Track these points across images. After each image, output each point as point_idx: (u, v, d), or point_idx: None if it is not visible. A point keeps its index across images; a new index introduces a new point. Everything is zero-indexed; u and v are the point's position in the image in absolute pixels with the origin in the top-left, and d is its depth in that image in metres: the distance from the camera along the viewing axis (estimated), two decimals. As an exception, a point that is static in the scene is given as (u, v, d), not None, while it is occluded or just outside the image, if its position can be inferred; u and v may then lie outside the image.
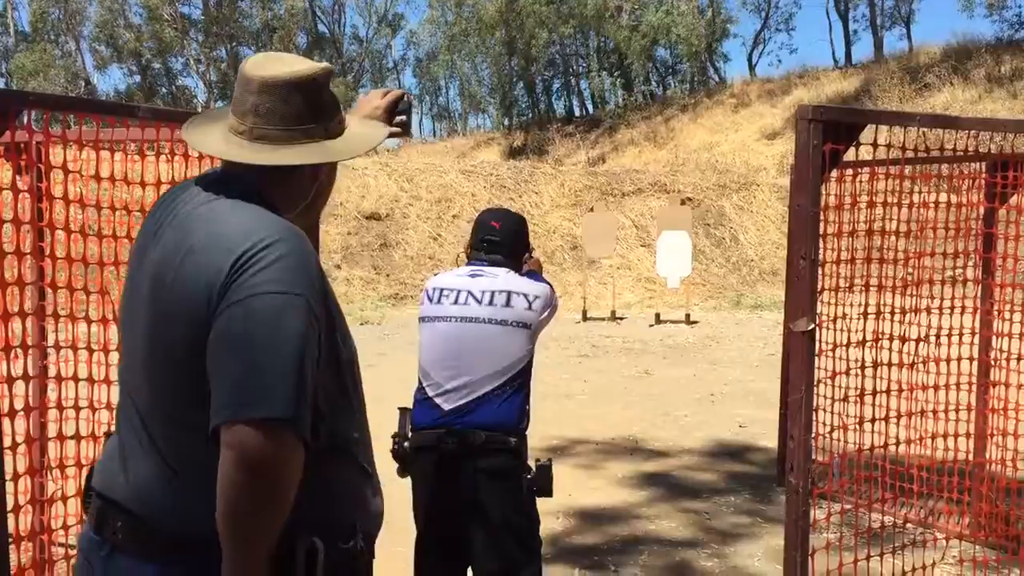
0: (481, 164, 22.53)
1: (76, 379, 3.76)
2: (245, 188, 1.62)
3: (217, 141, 1.67)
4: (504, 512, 3.00)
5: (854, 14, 36.60)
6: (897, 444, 3.93)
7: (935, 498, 4.66)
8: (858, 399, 3.77)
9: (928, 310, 4.07)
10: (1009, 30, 29.10)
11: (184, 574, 1.51)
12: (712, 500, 5.49)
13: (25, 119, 3.21)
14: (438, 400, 3.01)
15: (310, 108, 1.66)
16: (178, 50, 46.82)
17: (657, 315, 14.82)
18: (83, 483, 1.72)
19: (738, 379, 9.61)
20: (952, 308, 4.27)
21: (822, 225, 3.11)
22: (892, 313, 3.87)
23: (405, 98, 2.09)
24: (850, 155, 3.28)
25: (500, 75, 42.23)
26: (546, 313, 3.12)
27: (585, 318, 14.86)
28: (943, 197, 4.24)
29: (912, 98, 24.69)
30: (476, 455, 2.95)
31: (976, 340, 4.46)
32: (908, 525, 4.64)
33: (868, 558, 3.60)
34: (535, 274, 3.29)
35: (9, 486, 3.09)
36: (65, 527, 3.81)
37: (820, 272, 3.11)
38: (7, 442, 3.05)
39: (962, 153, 4.01)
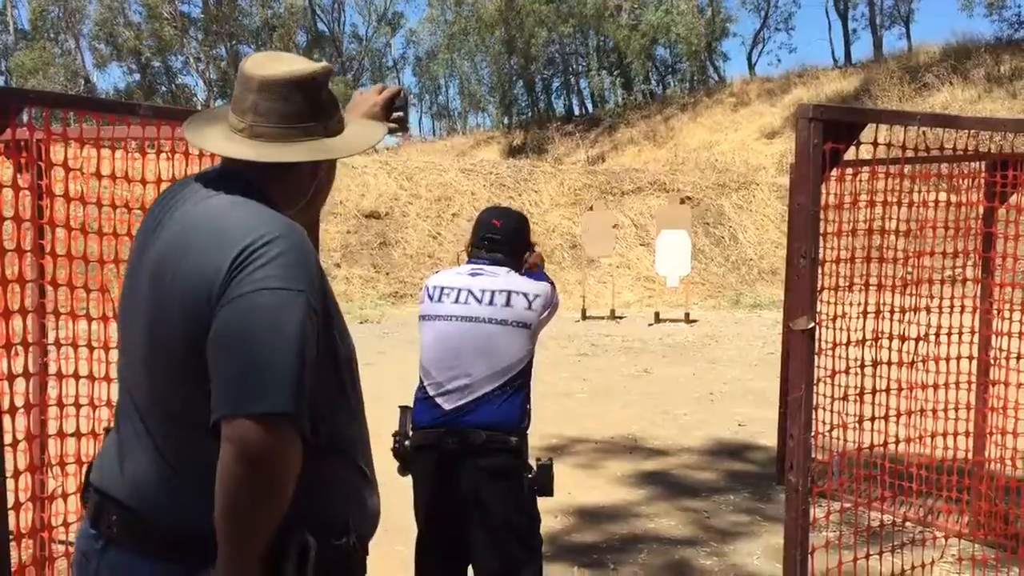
0: (481, 163, 22.52)
1: (76, 376, 3.77)
2: (245, 185, 1.63)
3: (217, 138, 1.68)
4: (505, 511, 3.00)
5: (853, 13, 36.61)
6: (896, 443, 3.93)
7: (934, 497, 4.66)
8: (857, 398, 3.77)
9: (928, 309, 4.07)
10: (1009, 30, 29.11)
11: (179, 570, 1.51)
12: (711, 499, 5.49)
13: (25, 117, 3.21)
14: (439, 399, 3.01)
15: (309, 106, 1.67)
16: (178, 48, 46.79)
17: (656, 314, 14.82)
18: (83, 479, 1.73)
19: (737, 378, 9.62)
20: (952, 307, 4.28)
21: (822, 224, 3.12)
22: (892, 312, 3.87)
23: (402, 94, 2.10)
24: (850, 154, 3.28)
25: (500, 74, 42.21)
26: (546, 312, 3.12)
27: (584, 317, 14.87)
28: (943, 196, 4.25)
29: (911, 97, 24.69)
30: (477, 454, 2.96)
31: (975, 339, 4.46)
32: (907, 524, 4.65)
33: (867, 556, 3.61)
34: (536, 272, 3.29)
35: (10, 483, 3.09)
36: (65, 524, 3.82)
37: (820, 271, 3.12)
38: (7, 439, 3.05)
39: (962, 152, 4.02)
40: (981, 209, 4.38)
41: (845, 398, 3.78)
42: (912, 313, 3.98)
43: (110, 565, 1.58)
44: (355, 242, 18.39)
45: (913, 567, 3.87)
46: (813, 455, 3.09)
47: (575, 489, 5.52)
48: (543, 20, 37.53)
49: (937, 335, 4.10)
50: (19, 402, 3.35)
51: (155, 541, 1.54)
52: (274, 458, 1.41)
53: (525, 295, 3.07)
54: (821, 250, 3.08)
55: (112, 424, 1.71)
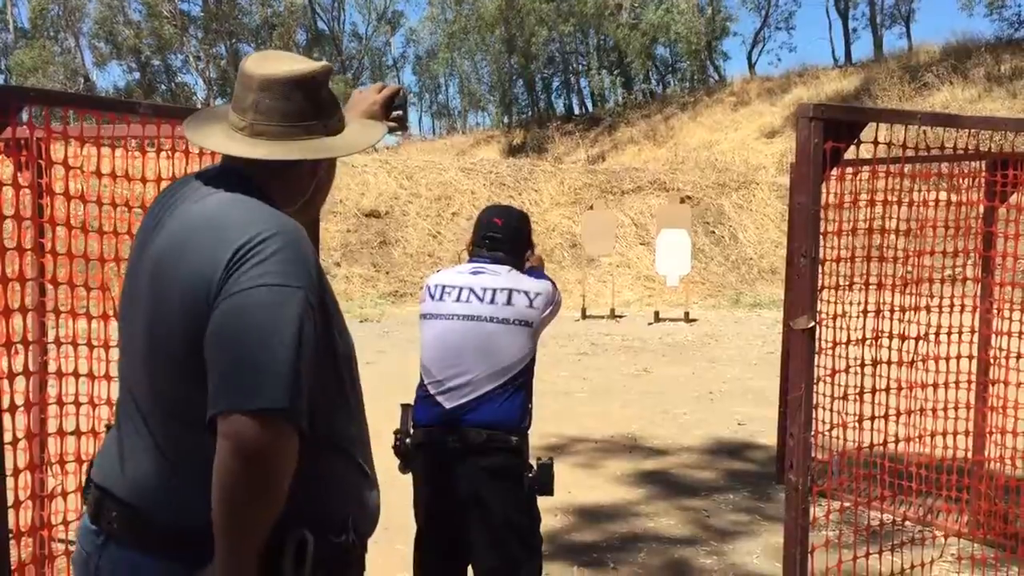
0: (481, 162, 22.52)
1: (76, 375, 3.77)
2: (244, 183, 1.63)
3: (218, 137, 1.68)
4: (505, 510, 3.00)
5: (854, 13, 36.58)
6: (896, 442, 3.93)
7: (934, 496, 4.66)
8: (857, 397, 3.78)
9: (928, 308, 4.08)
10: (1009, 29, 29.09)
11: (179, 566, 1.52)
12: (711, 498, 5.50)
13: (25, 115, 3.20)
14: (440, 398, 3.01)
15: (310, 105, 1.68)
16: (177, 47, 46.77)
17: (656, 313, 14.82)
18: (84, 476, 1.74)
19: (737, 377, 9.62)
20: (951, 306, 4.28)
21: (822, 223, 3.12)
22: (892, 311, 3.87)
23: (401, 93, 2.11)
24: (850, 153, 3.29)
25: (500, 73, 42.20)
26: (548, 311, 3.12)
27: (584, 316, 14.86)
28: (943, 195, 4.25)
29: (911, 97, 24.68)
30: (478, 453, 2.95)
31: (975, 338, 4.46)
32: (907, 523, 4.65)
33: (867, 556, 3.61)
34: (538, 271, 3.29)
35: (9, 482, 3.09)
36: (65, 523, 3.81)
37: (820, 270, 3.12)
38: (7, 437, 3.05)
39: (962, 152, 4.02)
40: (981, 208, 4.38)
41: (845, 397, 3.78)
42: (912, 312, 3.98)
43: (110, 561, 1.59)
44: (355, 241, 18.39)
45: (913, 566, 3.88)
46: (813, 454, 3.09)
47: (575, 488, 5.52)
48: (543, 19, 37.52)
49: (937, 334, 4.10)
50: (19, 400, 3.35)
51: (155, 538, 1.54)
52: (270, 454, 1.42)
53: (527, 293, 3.07)
54: (821, 249, 3.09)
55: (113, 422, 1.71)
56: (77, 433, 3.74)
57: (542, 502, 3.16)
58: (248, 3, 46.05)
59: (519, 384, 3.04)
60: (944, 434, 4.29)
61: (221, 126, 1.70)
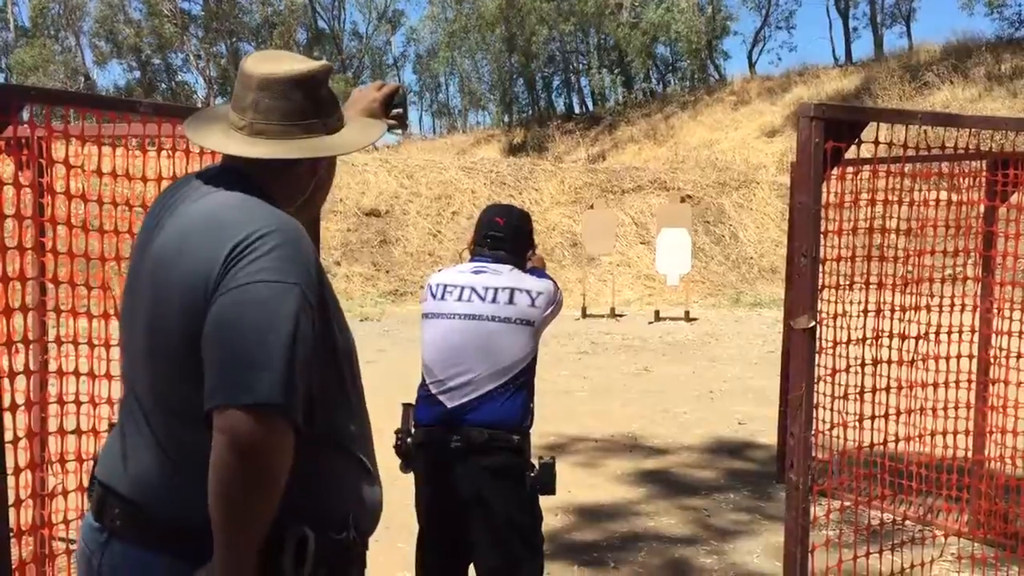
0: (481, 161, 22.52)
1: (77, 374, 3.77)
2: (244, 182, 1.64)
3: (218, 136, 1.69)
4: (507, 510, 3.00)
5: (854, 12, 36.57)
6: (896, 441, 3.93)
7: (934, 495, 4.66)
8: (858, 396, 3.78)
9: (928, 308, 4.08)
10: (1009, 28, 29.06)
11: (181, 563, 1.52)
12: (711, 497, 5.50)
13: (26, 114, 3.21)
14: (441, 397, 3.01)
15: (310, 104, 1.69)
16: (178, 46, 46.75)
17: (656, 312, 14.83)
18: (89, 474, 1.75)
19: (737, 376, 9.62)
20: (952, 306, 4.28)
21: (823, 223, 3.12)
22: (892, 311, 3.88)
23: (400, 91, 2.11)
24: (851, 153, 3.29)
25: (500, 72, 42.18)
26: (550, 310, 3.12)
27: (584, 315, 14.87)
28: (943, 195, 4.25)
29: (912, 96, 24.66)
30: (479, 453, 2.95)
31: (976, 338, 4.47)
32: (907, 522, 4.65)
33: (867, 555, 3.61)
34: (539, 270, 3.29)
35: (10, 480, 3.09)
36: (66, 521, 3.82)
37: (820, 270, 3.12)
38: (8, 436, 3.06)
39: (963, 151, 4.02)
40: (982, 208, 4.38)
41: (845, 396, 3.79)
42: (912, 312, 3.98)
43: (113, 558, 1.59)
44: (355, 240, 18.40)
45: (913, 565, 3.88)
46: (813, 453, 3.09)
47: (575, 487, 5.52)
48: (544, 18, 37.51)
49: (937, 334, 4.10)
50: (20, 399, 3.35)
51: (157, 534, 1.55)
52: (265, 449, 1.42)
53: (528, 292, 3.07)
54: (822, 249, 3.09)
55: (115, 420, 1.72)
56: (77, 432, 3.74)
57: (542, 501, 3.16)
58: (248, 2, 46.06)
59: (521, 383, 3.04)
60: (944, 433, 4.29)
61: (221, 125, 1.70)
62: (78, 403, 3.75)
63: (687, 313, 14.58)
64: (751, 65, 38.13)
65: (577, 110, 42.09)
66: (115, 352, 3.76)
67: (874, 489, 4.60)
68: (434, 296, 3.14)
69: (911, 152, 3.59)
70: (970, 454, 4.51)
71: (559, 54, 41.93)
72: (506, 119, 42.24)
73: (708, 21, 34.93)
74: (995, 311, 4.41)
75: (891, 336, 3.88)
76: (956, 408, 4.38)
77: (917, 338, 4.00)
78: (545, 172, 20.91)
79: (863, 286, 3.76)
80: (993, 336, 4.43)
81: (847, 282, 3.86)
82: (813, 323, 2.98)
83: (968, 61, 25.10)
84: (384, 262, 18.07)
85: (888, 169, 3.65)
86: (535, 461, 3.10)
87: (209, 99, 44.83)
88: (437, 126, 55.26)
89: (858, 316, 3.82)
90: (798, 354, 3.00)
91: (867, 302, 3.78)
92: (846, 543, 3.64)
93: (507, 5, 37.56)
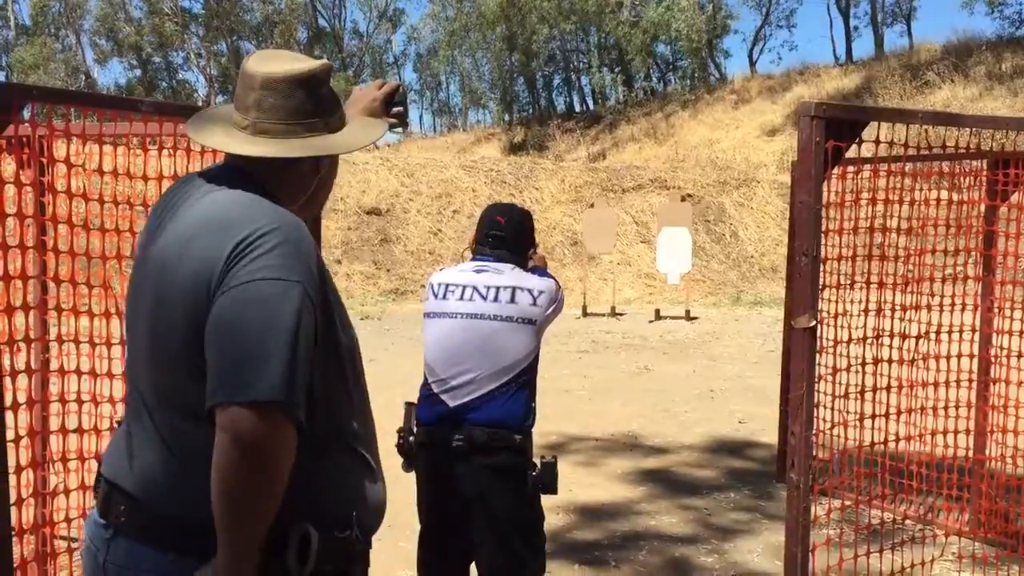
0: (482, 159, 22.52)
1: (78, 372, 3.77)
2: (247, 181, 1.65)
3: (220, 135, 1.70)
4: (509, 509, 3.01)
5: (855, 11, 36.53)
6: (897, 440, 3.94)
7: (935, 495, 4.67)
8: (859, 395, 3.78)
9: (929, 307, 4.08)
10: (1010, 27, 29.03)
11: (185, 559, 1.53)
12: (712, 496, 5.50)
13: (27, 113, 3.21)
14: (443, 396, 3.02)
15: (311, 103, 1.70)
16: (179, 44, 46.76)
17: (657, 311, 14.82)
18: (96, 472, 1.75)
19: (737, 375, 9.62)
20: (953, 305, 4.28)
21: (823, 222, 3.12)
22: (893, 310, 3.88)
23: (401, 90, 2.12)
24: (851, 152, 3.28)
25: (500, 70, 42.14)
26: (551, 309, 3.12)
27: (585, 314, 14.87)
28: (944, 194, 4.25)
29: (912, 95, 24.64)
30: (481, 452, 2.96)
31: (976, 337, 4.47)
32: (908, 521, 4.65)
33: (868, 554, 3.61)
34: (541, 269, 3.29)
35: (12, 479, 3.09)
36: (67, 520, 3.82)
37: (821, 269, 3.12)
38: (10, 435, 3.06)
39: (963, 150, 4.02)
40: (982, 207, 4.38)
41: (846, 396, 3.79)
42: (913, 311, 3.98)
43: (117, 554, 1.60)
44: (356, 238, 18.40)
45: (913, 565, 3.88)
46: (814, 453, 3.09)
47: (576, 486, 5.53)
48: (544, 16, 37.46)
49: (938, 333, 4.10)
50: (21, 398, 3.35)
51: (162, 531, 1.56)
52: (267, 446, 1.43)
53: (530, 291, 3.07)
54: (823, 248, 3.09)
55: (117, 419, 1.73)
56: (79, 431, 3.74)
57: (543, 500, 3.17)
58: (249, 0, 46.05)
59: (522, 382, 3.04)
60: (945, 433, 4.29)
61: (224, 125, 1.71)
62: (79, 402, 3.75)
63: (688, 312, 14.58)
64: (752, 64, 38.13)
65: (578, 109, 42.06)
66: (116, 351, 3.76)
67: (875, 488, 4.60)
68: (436, 295, 3.14)
69: (912, 151, 3.59)
70: (971, 453, 4.51)
71: (559, 53, 41.90)
72: (506, 118, 42.19)
73: (708, 20, 34.89)
74: (996, 310, 4.41)
75: (892, 335, 3.88)
76: (957, 407, 4.38)
77: (918, 337, 4.00)
78: (546, 171, 20.90)
79: (864, 285, 3.76)
80: (994, 335, 4.43)
81: (848, 281, 3.86)
82: (814, 322, 2.98)
83: (969, 60, 25.09)
84: (385, 261, 18.07)
85: (889, 168, 3.65)
86: (537, 460, 3.10)
87: (210, 97, 44.83)
88: (437, 125, 55.30)
89: (859, 315, 3.82)
90: (799, 353, 3.00)
91: (868, 301, 3.78)
92: (847, 542, 3.64)
93: (507, 4, 37.51)
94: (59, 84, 38.33)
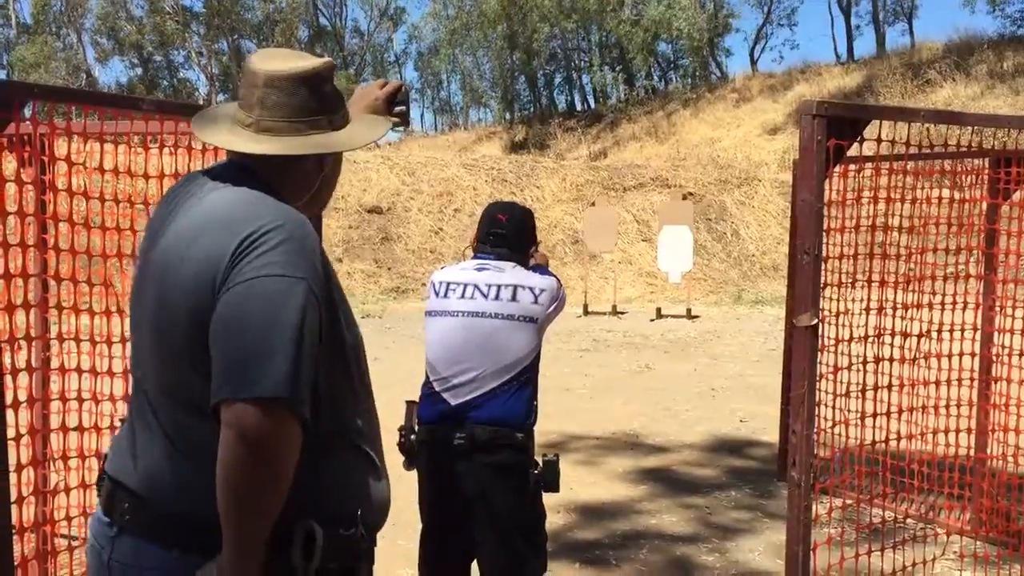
0: (483, 158, 22.52)
1: (79, 371, 3.77)
2: (251, 178, 1.66)
3: (225, 133, 1.71)
4: (510, 507, 3.00)
5: (856, 9, 36.50)
6: (899, 439, 3.93)
7: (936, 493, 4.66)
8: (860, 394, 3.77)
9: (930, 305, 4.08)
10: (1011, 26, 29.02)
11: (190, 556, 1.53)
12: (712, 495, 5.50)
13: (28, 111, 3.20)
14: (445, 395, 3.01)
15: (315, 101, 1.70)
16: (180, 43, 46.76)
17: (658, 310, 14.82)
18: (99, 470, 1.76)
19: (739, 374, 9.62)
20: (954, 304, 4.28)
21: (825, 220, 3.11)
22: (894, 308, 3.87)
23: (403, 89, 2.13)
24: (853, 150, 3.28)
25: (502, 69, 42.10)
26: (553, 307, 3.12)
27: (586, 312, 14.87)
28: (946, 193, 4.24)
29: (914, 94, 24.62)
30: (483, 450, 2.95)
31: (978, 335, 4.46)
32: (909, 520, 4.65)
33: (869, 553, 3.61)
34: (542, 267, 3.29)
35: (12, 477, 3.10)
36: (68, 518, 3.83)
37: (823, 267, 3.11)
38: (10, 433, 3.06)
39: (965, 149, 4.02)
40: (984, 205, 4.38)
41: (847, 394, 3.78)
42: (915, 309, 3.98)
43: (123, 552, 1.60)
44: (357, 237, 18.40)
45: (915, 564, 3.87)
46: (815, 451, 3.09)
47: (576, 485, 5.52)
48: (545, 15, 37.43)
49: (939, 331, 4.10)
50: (22, 396, 3.35)
51: (166, 528, 1.56)
52: (272, 442, 1.43)
53: (531, 289, 3.07)
54: (824, 246, 3.08)
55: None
56: (79, 429, 3.74)
57: (544, 499, 3.16)
58: (250, -1, 46.06)
59: (524, 381, 3.04)
60: (946, 431, 4.29)
61: (228, 123, 1.72)
62: (80, 400, 3.76)
63: (689, 311, 14.58)
64: (753, 62, 38.12)
65: (579, 107, 42.03)
66: (116, 349, 3.76)
67: (876, 487, 4.60)
68: (437, 294, 3.14)
69: (913, 150, 3.59)
70: (972, 452, 4.51)
71: (561, 51, 41.87)
72: (508, 116, 42.16)
73: (710, 18, 34.86)
74: (997, 309, 4.41)
75: (893, 334, 3.88)
76: (958, 406, 4.38)
77: (919, 336, 4.00)
78: (547, 169, 20.90)
79: (865, 284, 3.75)
80: (995, 334, 4.42)
81: (849, 280, 3.85)
82: (815, 320, 2.98)
83: (970, 59, 25.06)
84: (386, 259, 18.07)
85: (890, 167, 3.65)
86: (538, 458, 3.10)
87: (211, 96, 44.85)
88: (439, 123, 55.26)
89: (860, 314, 3.82)
90: (800, 352, 3.00)
91: (869, 300, 3.78)
92: (848, 541, 3.64)
93: (509, 2, 37.48)
94: (60, 83, 38.31)
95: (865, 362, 3.82)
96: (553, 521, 4.69)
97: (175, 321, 1.54)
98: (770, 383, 7.70)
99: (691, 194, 19.28)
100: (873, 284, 3.75)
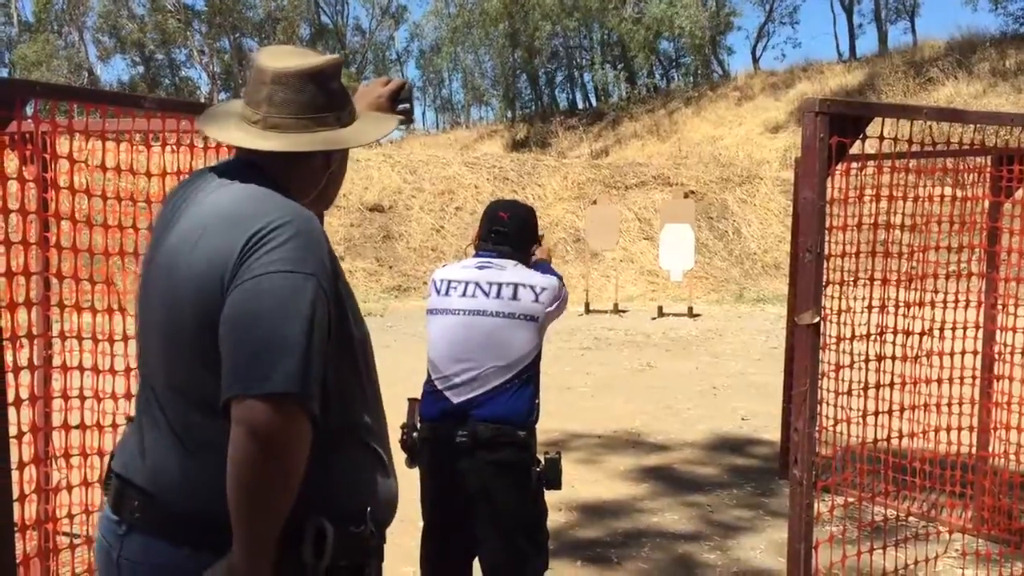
0: (484, 156, 22.51)
1: (81, 369, 3.77)
2: (259, 175, 1.66)
3: (232, 130, 1.71)
4: (512, 505, 3.01)
5: (859, 7, 36.47)
6: (900, 437, 3.93)
7: (938, 491, 4.66)
8: (862, 392, 3.77)
9: (932, 304, 4.07)
10: (1014, 24, 29.02)
11: (200, 553, 1.53)
12: (714, 493, 5.50)
13: (30, 109, 3.20)
14: (447, 393, 3.01)
15: (322, 97, 1.70)
16: (181, 41, 46.78)
17: (660, 308, 14.82)
18: (105, 469, 1.75)
19: (740, 372, 9.62)
20: (956, 302, 4.28)
21: (827, 218, 3.11)
22: (896, 307, 3.87)
23: (407, 86, 2.13)
24: (855, 148, 3.27)
25: (503, 67, 42.08)
26: (554, 305, 3.11)
27: (588, 311, 14.87)
28: (948, 191, 4.24)
29: (916, 92, 24.59)
30: (485, 448, 2.95)
31: (980, 334, 4.46)
32: (911, 518, 4.65)
33: (871, 551, 3.61)
34: (545, 266, 3.28)
35: (15, 475, 3.10)
36: (69, 516, 3.82)
37: (825, 265, 3.11)
38: (12, 431, 3.06)
39: (967, 147, 4.01)
40: (986, 204, 4.37)
41: (849, 392, 3.78)
42: (917, 308, 3.97)
43: (132, 550, 1.60)
44: (358, 235, 18.40)
45: (917, 562, 3.87)
46: (817, 449, 3.09)
47: (578, 484, 5.52)
48: (547, 13, 37.40)
49: (942, 330, 4.10)
50: (24, 394, 3.35)
51: (176, 526, 1.56)
52: (283, 438, 1.43)
53: (532, 288, 3.07)
54: (826, 244, 3.08)
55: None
56: (81, 427, 3.74)
57: (545, 497, 3.16)
58: (251, -3, 46.04)
59: (526, 378, 3.04)
60: (948, 429, 4.29)
61: (235, 120, 1.72)
62: (82, 398, 3.76)
63: (690, 309, 14.57)
64: (755, 60, 38.10)
65: (580, 105, 42.01)
66: (119, 347, 3.76)
67: (878, 485, 4.59)
68: (439, 292, 3.14)
69: (916, 148, 3.58)
70: (974, 450, 4.50)
71: (562, 49, 41.84)
72: (509, 115, 42.13)
73: (712, 16, 34.84)
74: (999, 307, 4.40)
75: (895, 332, 3.88)
76: (960, 404, 4.37)
77: (921, 334, 4.00)
78: (548, 168, 20.89)
79: (867, 282, 3.75)
80: (997, 332, 4.42)
81: (851, 278, 3.85)
82: (817, 318, 2.98)
83: (972, 57, 25.02)
84: (387, 257, 18.07)
85: (893, 164, 3.65)
86: (540, 456, 3.10)
87: (212, 94, 44.86)
88: (440, 121, 55.22)
89: (862, 312, 3.81)
90: (802, 350, 3.00)
91: (871, 298, 3.78)
92: (850, 539, 3.64)
93: (510, 0, 37.48)
94: (62, 81, 38.28)
95: (867, 360, 3.81)
96: (555, 519, 4.69)
97: (183, 318, 1.54)
98: (771, 381, 7.70)
99: (693, 192, 19.27)
100: (875, 282, 3.74)
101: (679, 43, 37.65)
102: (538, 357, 3.10)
